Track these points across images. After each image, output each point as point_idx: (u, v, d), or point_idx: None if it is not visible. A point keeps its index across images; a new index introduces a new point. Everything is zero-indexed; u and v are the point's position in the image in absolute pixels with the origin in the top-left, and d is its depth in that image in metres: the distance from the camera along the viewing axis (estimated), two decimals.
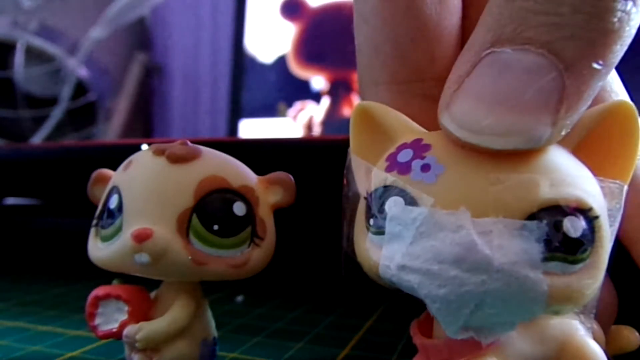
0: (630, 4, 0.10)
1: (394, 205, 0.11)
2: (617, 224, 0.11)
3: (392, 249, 0.11)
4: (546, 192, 0.10)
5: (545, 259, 0.10)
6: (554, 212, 0.10)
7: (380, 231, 0.11)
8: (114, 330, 0.15)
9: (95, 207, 0.16)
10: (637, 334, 0.15)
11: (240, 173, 0.16)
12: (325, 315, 0.25)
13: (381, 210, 0.11)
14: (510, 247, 0.10)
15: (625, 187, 0.11)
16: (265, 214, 0.16)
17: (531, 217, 0.10)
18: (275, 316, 0.25)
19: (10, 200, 0.41)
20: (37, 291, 0.29)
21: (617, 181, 0.11)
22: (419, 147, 0.11)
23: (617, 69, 0.12)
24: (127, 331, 0.15)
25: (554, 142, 0.10)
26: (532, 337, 0.12)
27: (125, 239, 0.14)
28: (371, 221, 0.12)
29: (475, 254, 0.10)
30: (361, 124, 0.13)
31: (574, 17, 0.10)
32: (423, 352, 0.12)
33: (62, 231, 0.35)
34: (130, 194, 0.15)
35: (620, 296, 0.15)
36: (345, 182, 0.14)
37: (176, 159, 0.15)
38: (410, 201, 0.11)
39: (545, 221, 0.10)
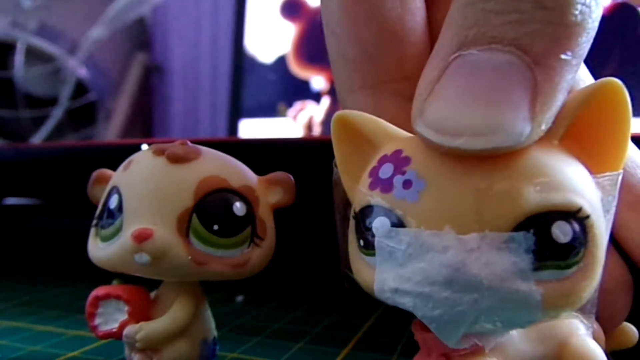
0: None
1: (380, 226, 0.11)
2: (612, 215, 0.11)
3: (384, 272, 0.11)
4: (531, 200, 0.10)
5: (536, 269, 0.10)
6: (541, 219, 0.10)
7: (370, 252, 0.11)
8: (114, 330, 0.15)
9: (95, 207, 0.16)
10: (635, 330, 0.15)
11: (240, 173, 0.16)
12: (325, 315, 0.25)
13: (369, 230, 0.11)
14: (498, 262, 0.10)
15: (620, 176, 0.11)
16: (265, 214, 0.16)
17: (518, 227, 0.10)
18: (275, 316, 0.25)
19: (10, 200, 0.41)
20: (37, 291, 0.29)
21: (608, 174, 0.11)
22: (399, 161, 0.11)
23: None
24: (127, 331, 0.15)
25: (536, 138, 0.10)
26: (532, 337, 0.12)
27: (125, 239, 0.14)
28: (361, 242, 0.12)
29: (464, 275, 0.10)
30: (342, 133, 0.13)
31: (536, 12, 0.10)
32: (424, 346, 0.12)
33: (62, 231, 0.35)
34: (130, 194, 0.15)
35: None
36: (334, 200, 0.13)
37: (176, 159, 0.15)
38: (396, 221, 0.11)
39: (532, 230, 0.10)
